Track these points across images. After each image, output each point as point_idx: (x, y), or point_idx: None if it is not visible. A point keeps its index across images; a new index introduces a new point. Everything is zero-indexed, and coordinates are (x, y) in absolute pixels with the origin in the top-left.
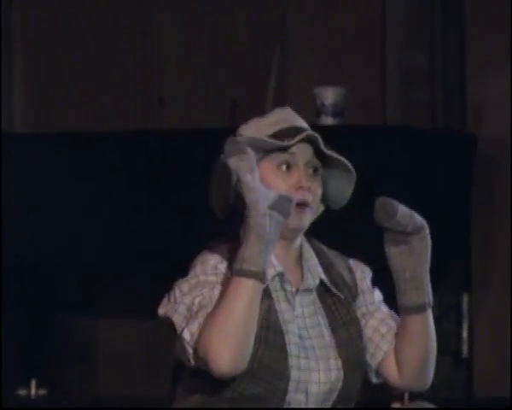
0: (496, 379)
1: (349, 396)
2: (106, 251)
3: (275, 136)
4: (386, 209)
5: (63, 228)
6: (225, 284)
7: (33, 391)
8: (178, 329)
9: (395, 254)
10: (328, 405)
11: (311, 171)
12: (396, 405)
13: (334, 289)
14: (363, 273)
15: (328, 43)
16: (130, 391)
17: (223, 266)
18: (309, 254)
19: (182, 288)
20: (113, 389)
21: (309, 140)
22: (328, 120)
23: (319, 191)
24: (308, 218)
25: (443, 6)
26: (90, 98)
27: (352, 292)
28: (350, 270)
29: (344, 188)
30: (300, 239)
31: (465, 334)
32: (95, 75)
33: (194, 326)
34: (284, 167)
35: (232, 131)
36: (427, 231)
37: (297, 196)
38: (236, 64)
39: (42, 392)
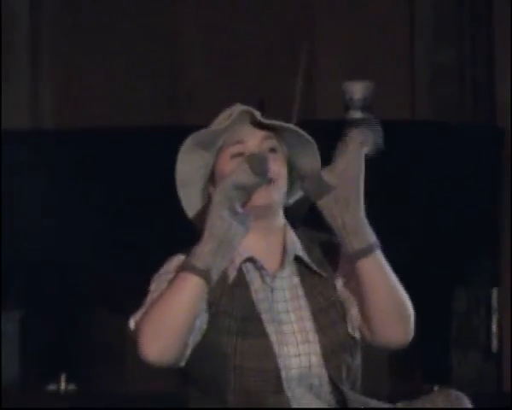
0: None
1: (340, 377)
2: (138, 249)
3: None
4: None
5: (90, 226)
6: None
7: (63, 386)
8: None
9: (323, 205)
10: (320, 388)
11: (268, 149)
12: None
13: (314, 267)
14: None
15: (356, 39)
16: (159, 388)
17: None
18: (291, 238)
19: (150, 286)
20: (142, 386)
21: (248, 122)
22: (357, 114)
23: (281, 167)
24: (275, 194)
25: (471, 3)
26: (117, 94)
27: (336, 268)
28: (333, 248)
29: (310, 160)
30: (284, 225)
31: (494, 328)
32: (121, 72)
33: (139, 315)
34: (238, 156)
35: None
36: (352, 175)
37: None
38: (264, 62)
39: (71, 387)
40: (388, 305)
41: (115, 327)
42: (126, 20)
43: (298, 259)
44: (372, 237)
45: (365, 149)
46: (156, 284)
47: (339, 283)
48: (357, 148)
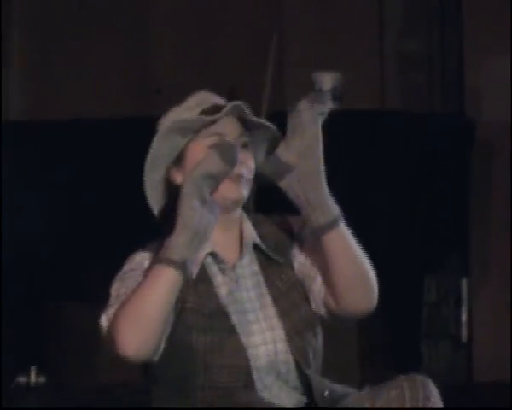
0: (495, 363)
1: (306, 361)
2: (106, 239)
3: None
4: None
5: (61, 216)
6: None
7: (33, 379)
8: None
9: (285, 185)
10: (287, 374)
11: (241, 145)
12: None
13: (271, 254)
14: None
15: (325, 29)
16: (130, 379)
17: (147, 262)
18: (248, 227)
19: (112, 287)
20: (113, 377)
21: (235, 116)
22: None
23: (252, 163)
24: (245, 189)
25: None
26: (87, 86)
27: (293, 248)
28: (289, 228)
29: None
30: (241, 215)
31: (464, 318)
32: (91, 64)
33: (111, 312)
34: None
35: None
36: (310, 149)
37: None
38: (234, 52)
39: (41, 379)
40: (353, 273)
41: (85, 319)
42: (97, 13)
43: (256, 247)
44: (336, 210)
45: (319, 117)
46: (121, 283)
47: (296, 263)
48: (311, 118)
